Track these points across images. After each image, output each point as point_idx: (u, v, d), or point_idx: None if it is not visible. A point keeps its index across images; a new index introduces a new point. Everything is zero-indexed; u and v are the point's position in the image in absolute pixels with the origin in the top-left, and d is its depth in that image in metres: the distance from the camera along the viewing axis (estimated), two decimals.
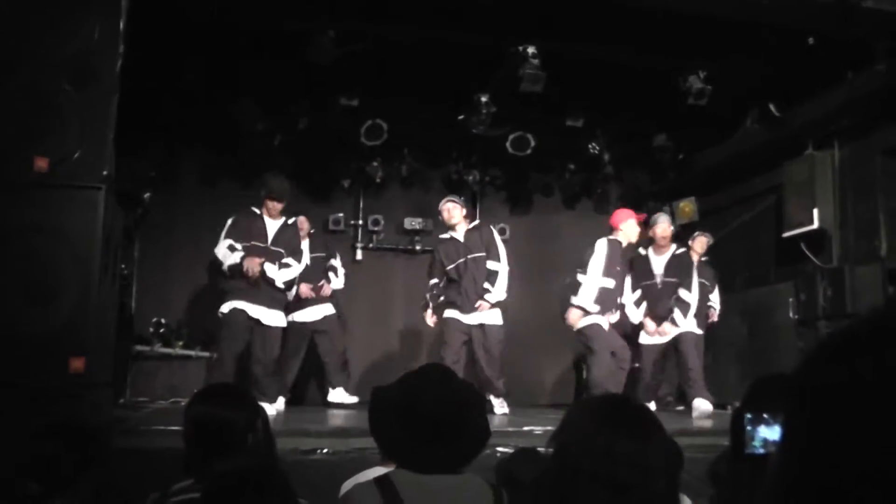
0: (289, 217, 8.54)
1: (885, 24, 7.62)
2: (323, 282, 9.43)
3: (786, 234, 9.45)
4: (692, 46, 8.45)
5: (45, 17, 5.42)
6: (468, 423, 2.76)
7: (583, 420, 2.01)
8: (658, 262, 9.19)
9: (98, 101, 5.48)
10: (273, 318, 8.20)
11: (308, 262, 9.19)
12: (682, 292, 8.97)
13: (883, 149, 8.54)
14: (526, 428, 7.15)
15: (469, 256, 8.59)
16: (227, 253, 8.10)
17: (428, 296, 8.88)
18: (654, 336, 9.07)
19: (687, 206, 11.57)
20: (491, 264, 8.58)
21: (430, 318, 8.89)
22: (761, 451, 1.85)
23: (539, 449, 3.81)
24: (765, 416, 1.82)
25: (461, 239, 8.72)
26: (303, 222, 9.21)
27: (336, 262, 9.81)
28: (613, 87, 9.23)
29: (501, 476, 3.58)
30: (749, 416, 1.83)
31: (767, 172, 10.09)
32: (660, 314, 9.01)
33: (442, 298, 8.75)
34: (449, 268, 8.71)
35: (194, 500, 2.71)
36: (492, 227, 9.14)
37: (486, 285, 8.51)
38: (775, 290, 9.58)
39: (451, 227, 8.81)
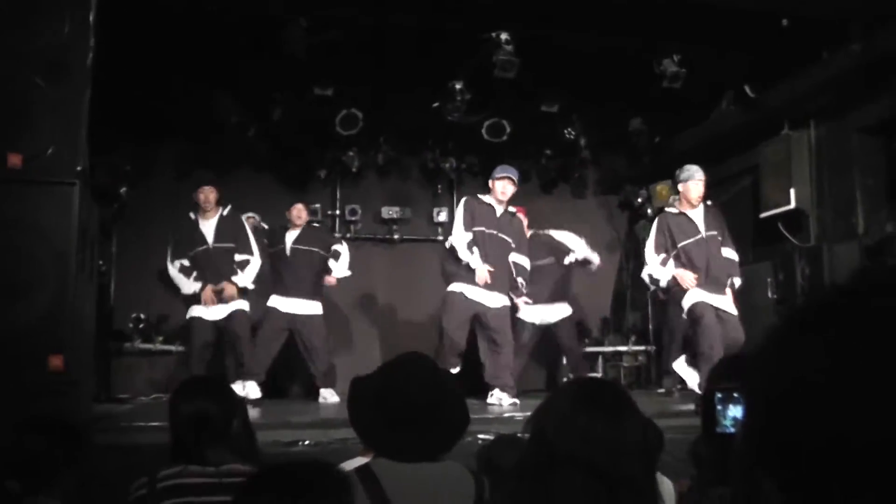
0: (224, 208, 8.79)
1: (859, 3, 7.64)
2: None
3: (763, 215, 9.49)
4: (666, 30, 8.46)
5: (14, 11, 5.36)
6: (447, 411, 2.76)
7: (559, 403, 2.01)
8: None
9: (70, 96, 5.45)
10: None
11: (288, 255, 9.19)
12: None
13: (859, 127, 8.58)
14: (507, 414, 7.17)
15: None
16: (182, 279, 8.46)
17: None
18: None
19: (664, 189, 11.58)
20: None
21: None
22: (731, 429, 1.85)
23: (520, 435, 3.82)
24: (734, 394, 1.83)
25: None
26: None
27: (340, 246, 9.70)
28: (588, 71, 9.22)
29: (482, 462, 3.59)
30: (719, 395, 1.84)
31: (743, 154, 10.12)
32: None
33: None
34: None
35: (181, 486, 2.95)
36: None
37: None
38: (753, 271, 9.61)
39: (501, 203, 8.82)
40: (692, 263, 8.09)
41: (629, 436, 1.87)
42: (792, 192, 9.00)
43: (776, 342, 0.86)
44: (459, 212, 8.79)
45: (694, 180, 8.31)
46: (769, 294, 9.37)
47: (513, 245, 8.81)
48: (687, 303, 8.03)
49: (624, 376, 11.20)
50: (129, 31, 7.62)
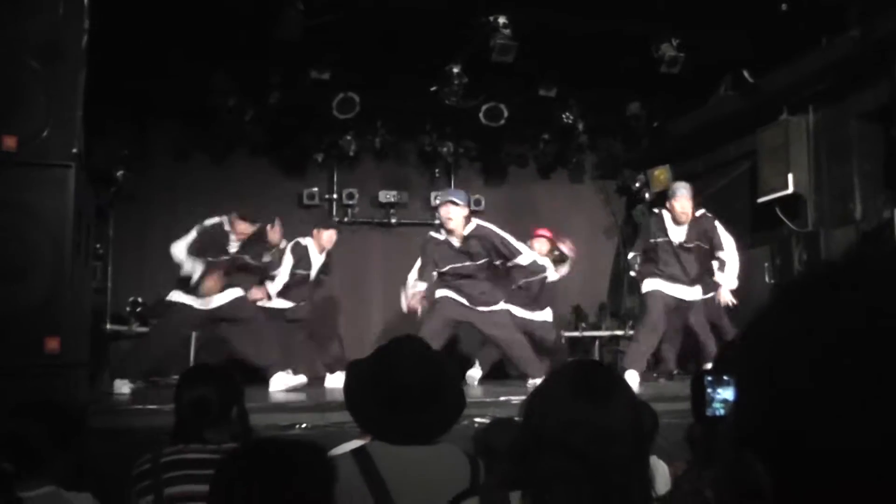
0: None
1: None
2: None
3: (761, 200, 9.48)
4: (664, 14, 8.43)
5: None
6: (442, 394, 2.77)
7: (550, 386, 2.01)
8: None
9: (65, 78, 5.41)
10: None
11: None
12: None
13: (857, 112, 8.56)
14: (503, 398, 7.17)
15: None
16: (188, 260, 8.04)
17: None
18: None
19: (661, 174, 11.58)
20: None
21: None
22: (721, 412, 1.86)
23: (516, 418, 3.82)
24: (724, 377, 1.83)
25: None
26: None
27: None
28: (586, 55, 9.19)
29: (479, 446, 3.61)
30: (709, 378, 1.84)
31: (742, 139, 10.11)
32: None
33: None
34: None
35: (184, 461, 3.19)
36: None
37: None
38: (751, 256, 9.60)
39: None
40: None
41: (617, 420, 1.87)
42: (790, 177, 9.00)
43: (767, 322, 0.86)
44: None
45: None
46: (766, 279, 9.37)
47: (484, 261, 8.35)
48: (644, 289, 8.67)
49: (621, 360, 11.20)
50: (125, 13, 7.59)
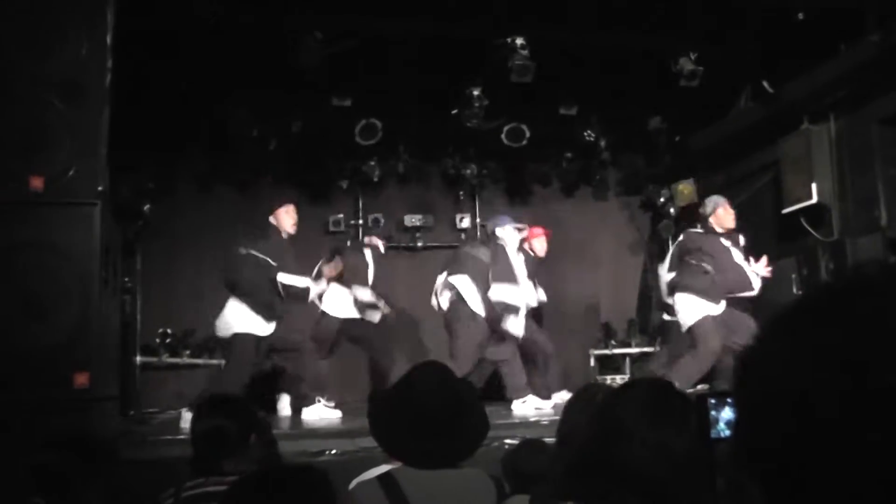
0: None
1: None
2: None
3: (785, 210, 9.43)
4: (681, 28, 8.45)
5: (32, 34, 5.42)
6: (465, 418, 2.78)
7: (621, 406, 1.99)
8: None
9: (89, 117, 5.49)
10: None
11: None
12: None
13: (879, 118, 8.52)
14: (533, 419, 7.16)
15: None
16: (294, 278, 8.10)
17: None
18: None
19: (686, 188, 11.56)
20: None
21: None
22: (727, 433, 1.85)
23: (546, 439, 3.82)
24: (728, 399, 1.82)
25: None
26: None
27: None
28: (605, 72, 9.23)
29: (506, 469, 3.60)
30: (713, 400, 1.84)
31: (764, 149, 10.06)
32: None
33: None
34: None
35: (205, 494, 3.13)
36: None
37: None
38: (778, 267, 9.53)
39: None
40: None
41: (692, 445, 1.85)
42: (813, 186, 8.95)
43: (763, 346, 0.86)
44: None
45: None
46: (794, 290, 9.31)
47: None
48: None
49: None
50: (146, 47, 7.69)
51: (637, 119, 11.01)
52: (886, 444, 0.73)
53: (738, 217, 8.69)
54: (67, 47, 5.45)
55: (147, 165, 10.19)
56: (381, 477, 2.71)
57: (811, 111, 9.15)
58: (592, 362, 11.30)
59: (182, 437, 6.21)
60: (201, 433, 3.35)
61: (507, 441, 5.64)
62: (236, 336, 7.79)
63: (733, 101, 10.29)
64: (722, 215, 8.27)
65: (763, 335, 0.87)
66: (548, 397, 8.91)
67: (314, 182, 11.38)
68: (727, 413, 1.81)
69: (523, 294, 8.79)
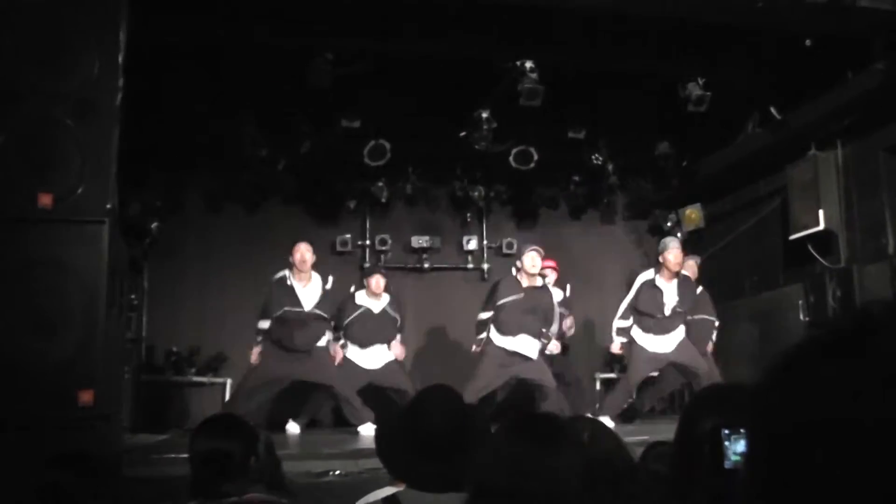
0: (325, 282, 8.71)
1: (881, 23, 7.62)
2: None
3: (792, 237, 9.43)
4: (689, 54, 8.48)
5: (44, 52, 5.46)
6: (472, 442, 2.78)
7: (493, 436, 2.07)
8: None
9: (99, 135, 5.51)
10: None
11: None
12: None
13: (886, 146, 8.54)
14: None
15: None
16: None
17: None
18: None
19: (693, 213, 11.57)
20: None
21: None
22: (740, 463, 1.85)
23: None
24: (741, 430, 1.83)
25: None
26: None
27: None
28: (613, 97, 9.27)
29: None
30: (726, 431, 1.84)
31: (771, 175, 10.09)
32: None
33: None
34: None
35: None
36: None
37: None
38: (784, 293, 9.56)
39: None
40: None
41: (564, 464, 1.90)
42: (821, 213, 8.95)
43: (776, 378, 0.87)
44: None
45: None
46: (801, 317, 9.30)
47: None
48: None
49: (658, 402, 11.12)
50: (157, 68, 7.74)
51: (645, 143, 11.04)
52: None
53: (745, 243, 8.73)
54: (80, 66, 5.48)
55: (156, 184, 10.24)
56: (386, 499, 2.70)
57: (818, 138, 9.17)
58: (598, 386, 11.27)
59: (186, 455, 6.21)
60: (200, 454, 3.23)
61: None
62: None
63: (741, 126, 10.30)
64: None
65: (776, 368, 0.87)
66: None
67: (322, 202, 11.41)
68: (740, 445, 1.81)
69: None
